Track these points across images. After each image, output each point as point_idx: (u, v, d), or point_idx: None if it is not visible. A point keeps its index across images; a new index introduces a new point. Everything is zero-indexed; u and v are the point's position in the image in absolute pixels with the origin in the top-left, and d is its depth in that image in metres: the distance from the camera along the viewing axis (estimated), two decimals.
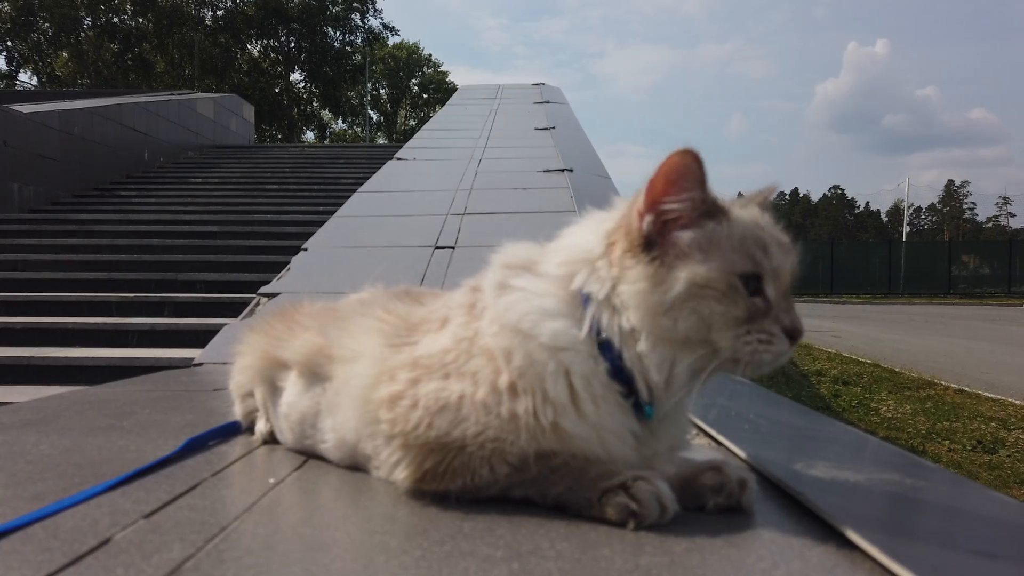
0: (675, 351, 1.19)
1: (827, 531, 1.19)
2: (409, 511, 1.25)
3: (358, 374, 1.41)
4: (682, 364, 1.20)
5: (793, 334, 1.18)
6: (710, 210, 1.20)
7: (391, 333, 1.42)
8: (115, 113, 13.80)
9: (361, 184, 8.67)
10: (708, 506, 1.25)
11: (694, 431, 2.00)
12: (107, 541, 1.10)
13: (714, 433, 1.93)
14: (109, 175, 13.22)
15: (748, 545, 1.15)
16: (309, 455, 1.65)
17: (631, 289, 1.19)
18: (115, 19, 43.23)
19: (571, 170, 7.93)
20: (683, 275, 1.16)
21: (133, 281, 7.34)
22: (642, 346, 1.20)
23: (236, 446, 1.79)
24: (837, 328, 17.98)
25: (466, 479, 1.25)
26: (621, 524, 1.16)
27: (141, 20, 43.95)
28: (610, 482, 1.18)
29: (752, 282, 1.18)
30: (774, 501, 1.36)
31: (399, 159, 9.80)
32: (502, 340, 1.25)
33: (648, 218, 1.20)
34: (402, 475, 1.29)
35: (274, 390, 1.72)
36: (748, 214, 1.25)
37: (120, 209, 11.29)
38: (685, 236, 1.19)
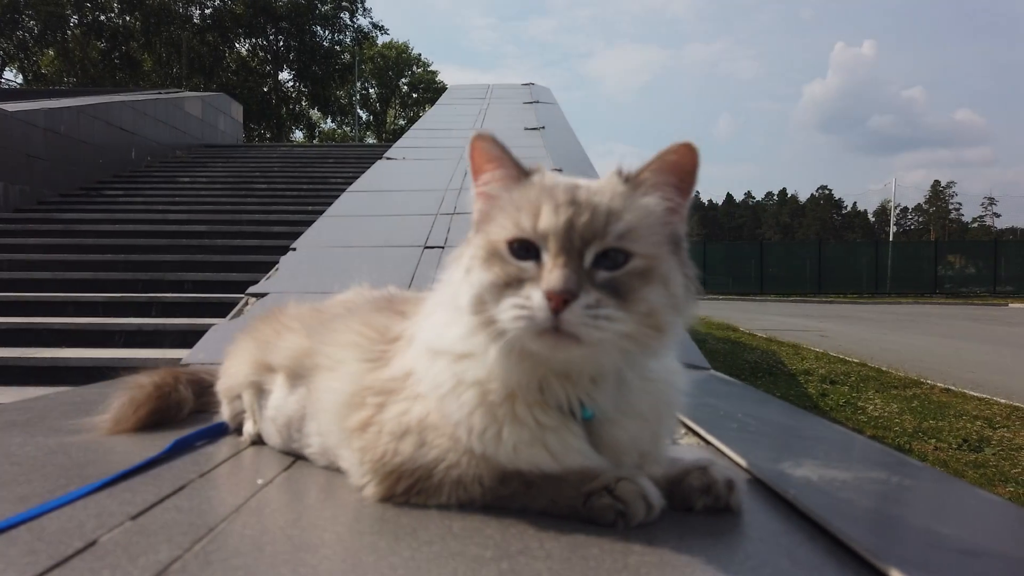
0: (477, 328, 1.14)
1: (815, 529, 1.20)
2: (398, 512, 1.25)
3: (334, 389, 1.42)
4: (489, 341, 1.13)
5: (548, 295, 1.05)
6: (508, 184, 1.20)
7: (367, 348, 1.43)
8: (102, 112, 13.71)
9: (350, 184, 8.65)
10: (696, 507, 1.26)
11: (683, 431, 2.01)
12: (93, 543, 1.10)
13: (703, 432, 1.94)
14: (96, 174, 13.14)
15: (736, 544, 1.16)
16: (297, 456, 1.64)
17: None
18: (102, 17, 42.92)
19: (560, 170, 7.90)
20: (467, 251, 1.18)
21: (120, 281, 7.29)
22: (468, 342, 1.19)
23: (224, 447, 1.78)
24: (825, 328, 18.08)
25: (440, 499, 1.25)
26: (610, 525, 1.16)
27: (128, 18, 43.66)
28: (592, 486, 1.18)
29: (523, 248, 1.12)
30: (762, 500, 1.37)
31: (388, 159, 9.78)
32: (420, 361, 1.28)
33: (477, 204, 1.24)
34: (376, 497, 1.30)
35: (261, 393, 1.72)
36: (546, 180, 1.19)
37: (107, 208, 11.22)
38: (479, 212, 1.22)
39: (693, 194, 1.22)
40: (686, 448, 1.89)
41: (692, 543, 1.13)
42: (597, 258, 1.10)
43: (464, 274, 1.17)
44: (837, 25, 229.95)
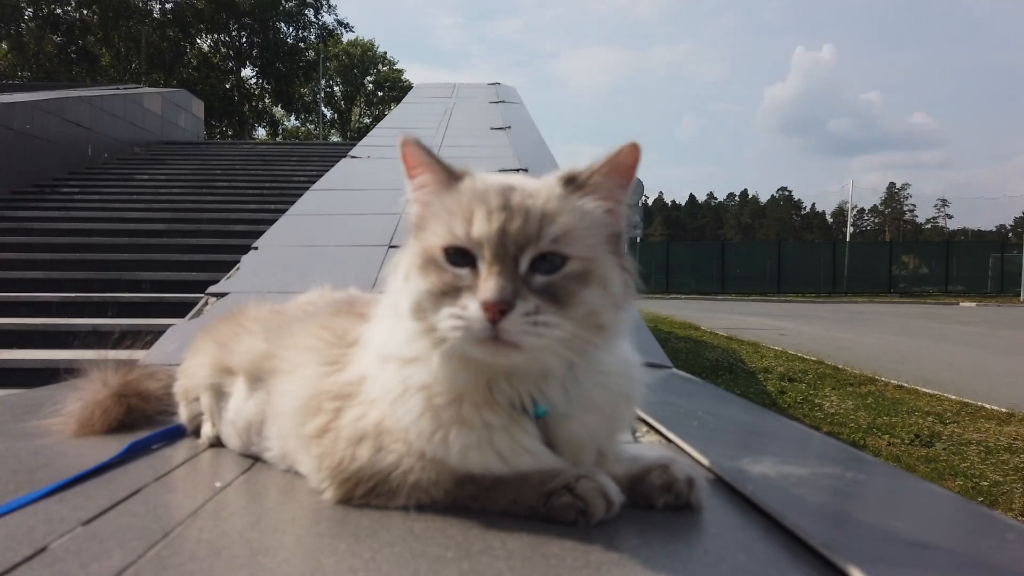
0: (419, 335, 1.14)
1: (772, 525, 1.22)
2: (359, 513, 1.24)
3: (292, 393, 1.41)
4: (431, 347, 1.13)
5: (484, 306, 1.04)
6: (439, 189, 1.20)
7: (326, 351, 1.42)
8: (57, 107, 13.36)
9: (314, 182, 8.55)
10: (658, 504, 1.27)
11: (644, 429, 2.03)
12: (43, 550, 1.07)
13: (664, 430, 1.96)
14: (51, 171, 12.79)
15: (695, 540, 1.17)
16: (257, 459, 1.62)
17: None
18: (58, 10, 41.83)
19: (526, 170, 7.95)
20: (405, 256, 1.18)
21: (75, 280, 7.12)
22: (410, 345, 1.18)
23: (181, 450, 1.75)
24: (783, 326, 18.40)
25: (399, 502, 1.24)
26: (571, 523, 1.17)
27: (86, 12, 42.64)
28: (552, 485, 1.18)
29: (458, 255, 1.11)
30: (722, 496, 1.39)
31: (353, 157, 9.69)
32: (373, 366, 1.28)
33: (413, 208, 1.23)
34: (334, 502, 1.28)
35: (220, 395, 1.70)
36: (479, 184, 1.18)
37: (62, 206, 10.95)
38: (415, 217, 1.22)
39: (632, 188, 1.22)
40: (648, 446, 1.91)
41: (653, 540, 1.14)
42: (533, 262, 1.09)
43: (403, 281, 1.16)
44: (798, 29, 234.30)
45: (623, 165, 1.18)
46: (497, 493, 1.22)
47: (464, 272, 1.10)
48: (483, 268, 1.08)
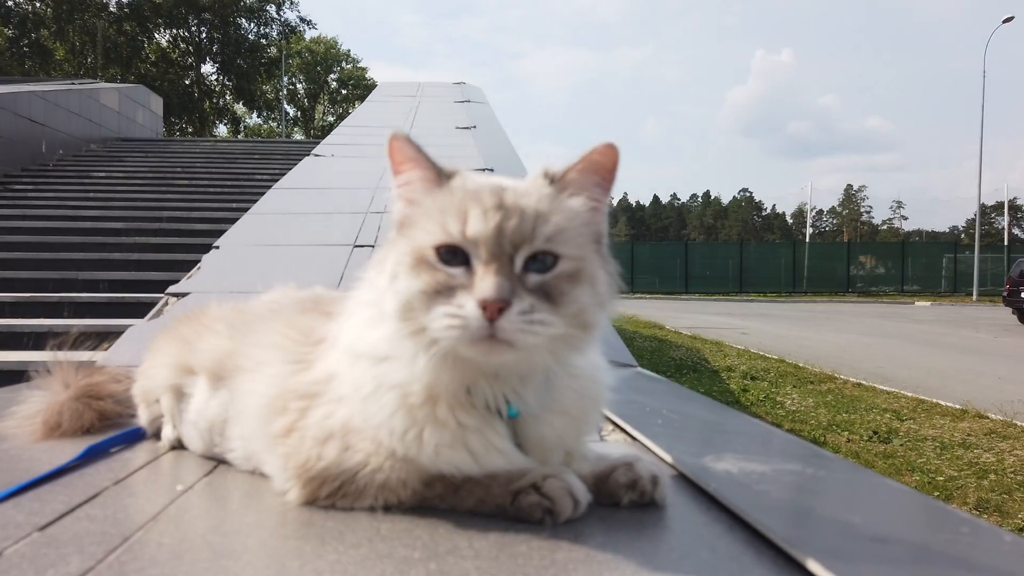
0: (406, 336, 1.13)
1: (735, 521, 1.24)
2: (325, 515, 1.23)
3: (256, 393, 1.39)
4: (419, 348, 1.12)
5: (482, 304, 1.04)
6: (428, 186, 1.19)
7: (291, 350, 1.40)
8: (9, 102, 12.97)
9: (277, 180, 8.45)
10: (623, 502, 1.28)
11: (610, 427, 2.05)
12: None
13: (629, 428, 1.98)
14: (2, 168, 12.42)
15: (660, 537, 1.18)
16: (220, 461, 1.59)
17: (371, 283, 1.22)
18: (9, 2, 40.59)
19: (492, 169, 7.95)
20: (391, 254, 1.17)
21: (28, 280, 6.93)
22: (393, 345, 1.17)
23: (141, 452, 1.72)
24: (746, 325, 18.68)
25: (365, 503, 1.24)
26: (537, 522, 1.17)
27: (39, 4, 41.45)
28: (519, 483, 1.19)
29: (450, 253, 1.10)
30: (686, 493, 1.40)
31: (317, 155, 9.60)
32: (343, 363, 1.27)
33: (397, 204, 1.22)
34: (299, 502, 1.27)
35: (181, 396, 1.66)
36: (469, 183, 1.17)
37: (14, 204, 10.64)
38: (401, 214, 1.21)
39: (612, 191, 1.23)
40: (613, 444, 1.93)
41: (618, 537, 1.15)
42: (527, 261, 1.10)
43: (390, 280, 1.14)
44: (758, 33, 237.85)
45: (600, 165, 1.18)
46: (465, 492, 1.22)
47: (458, 271, 1.09)
48: (479, 267, 1.08)
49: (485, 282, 1.06)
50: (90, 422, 1.89)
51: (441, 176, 1.19)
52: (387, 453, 1.21)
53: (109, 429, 1.89)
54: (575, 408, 1.26)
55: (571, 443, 1.29)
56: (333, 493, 1.25)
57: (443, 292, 1.09)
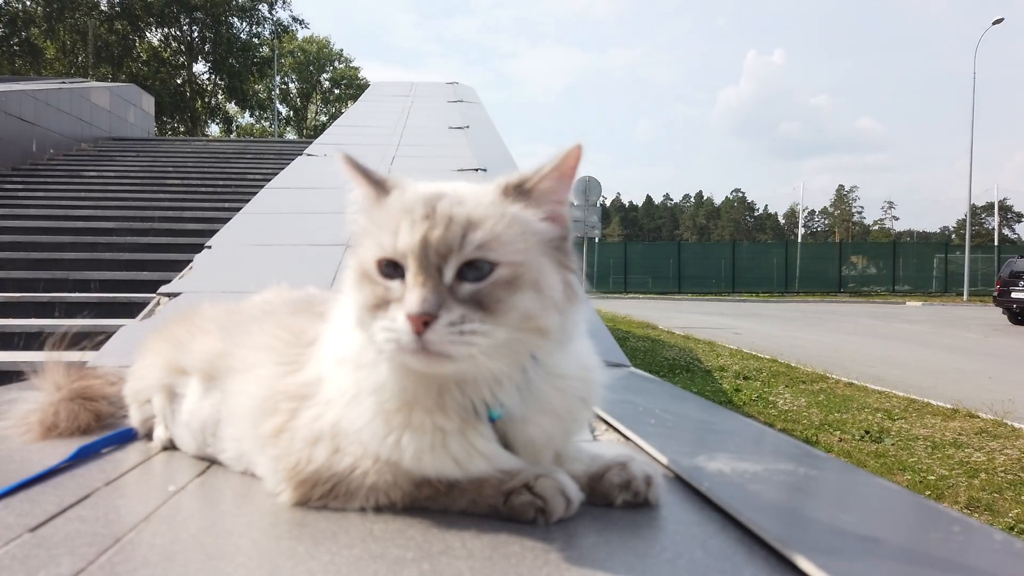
0: (367, 345, 1.14)
1: (727, 520, 1.24)
2: (318, 515, 1.23)
3: (248, 393, 1.39)
4: (376, 357, 1.14)
5: (408, 318, 1.04)
6: (371, 202, 1.20)
7: (283, 351, 1.40)
8: None
9: (269, 180, 8.43)
10: (616, 502, 1.28)
11: (603, 427, 2.05)
12: None
13: (622, 428, 1.98)
14: None
15: (653, 537, 1.19)
16: (212, 461, 1.59)
17: None
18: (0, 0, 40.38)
19: (485, 170, 7.95)
20: (348, 271, 1.18)
21: (19, 280, 6.88)
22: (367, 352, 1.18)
23: (132, 453, 1.71)
24: (738, 325, 18.74)
25: (357, 504, 1.23)
26: (530, 522, 1.17)
27: (29, 2, 41.21)
28: (512, 483, 1.19)
29: (391, 267, 1.10)
30: (679, 493, 1.41)
31: (309, 155, 9.58)
32: (329, 367, 1.27)
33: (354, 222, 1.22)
34: (291, 504, 1.27)
35: (173, 396, 1.66)
36: (408, 195, 1.16)
37: (5, 204, 10.57)
38: (352, 232, 1.22)
39: (573, 187, 1.20)
40: (606, 444, 1.93)
41: (611, 537, 1.15)
42: (461, 270, 1.08)
43: (348, 292, 1.17)
44: (750, 34, 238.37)
45: (570, 168, 1.17)
46: (457, 493, 1.22)
47: (395, 284, 1.09)
48: (409, 279, 1.08)
49: (410, 296, 1.06)
50: (87, 423, 1.88)
51: (381, 191, 1.19)
52: (373, 457, 1.21)
53: (102, 430, 1.88)
54: (562, 408, 1.25)
55: (560, 443, 1.29)
56: (325, 495, 1.25)
57: (381, 305, 1.10)
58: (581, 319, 1.22)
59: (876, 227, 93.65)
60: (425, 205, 1.11)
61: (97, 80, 29.77)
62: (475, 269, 1.08)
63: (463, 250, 1.07)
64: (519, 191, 1.16)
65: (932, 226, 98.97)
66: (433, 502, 1.23)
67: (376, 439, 1.18)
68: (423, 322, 1.04)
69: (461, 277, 1.08)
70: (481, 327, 1.06)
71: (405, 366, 1.11)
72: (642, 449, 1.76)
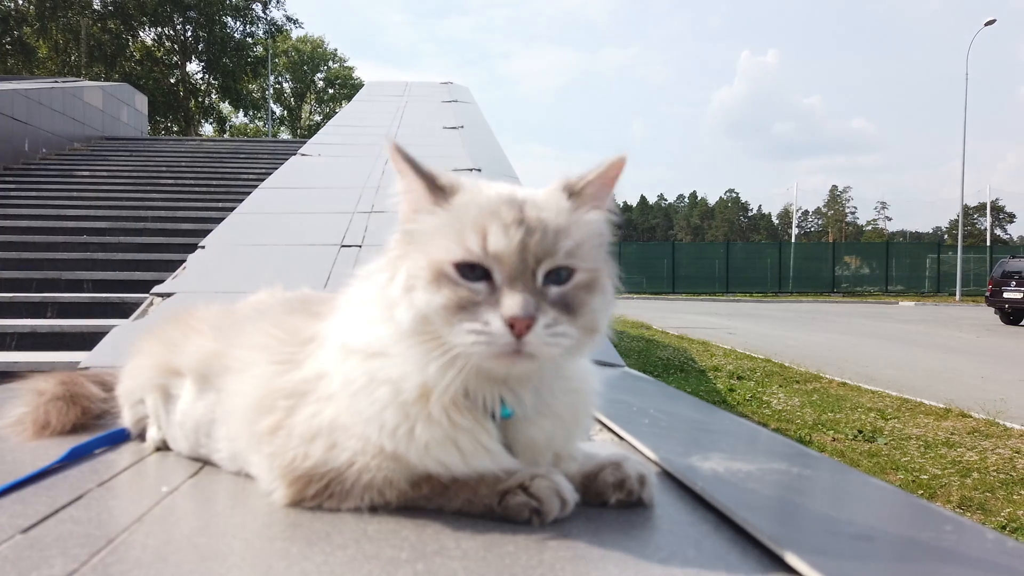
0: (415, 346, 1.13)
1: (721, 520, 1.25)
2: (312, 516, 1.23)
3: (243, 392, 1.38)
4: (431, 359, 1.12)
5: (510, 322, 1.06)
6: (435, 198, 1.17)
7: (278, 349, 1.39)
8: None
9: (263, 180, 8.40)
10: (610, 501, 1.28)
11: (597, 427, 2.05)
12: None
13: (616, 428, 1.98)
14: None
15: (647, 537, 1.19)
16: (205, 462, 1.58)
17: (375, 283, 1.21)
18: None
19: (479, 170, 7.94)
20: (404, 265, 1.16)
21: (11, 280, 6.85)
22: (393, 345, 1.17)
23: (125, 454, 1.70)
24: (732, 325, 18.78)
25: (352, 503, 1.23)
26: (525, 522, 1.17)
27: (22, 1, 41.03)
28: (507, 484, 1.19)
29: (469, 269, 1.10)
30: (673, 493, 1.41)
31: (303, 155, 9.55)
32: (333, 360, 1.27)
33: (402, 207, 1.21)
34: (285, 502, 1.27)
35: (167, 397, 1.65)
36: (482, 197, 1.16)
37: None
38: (412, 226, 1.19)
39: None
40: (600, 444, 1.93)
41: (605, 537, 1.15)
42: (546, 275, 1.12)
43: (404, 291, 1.13)
44: (743, 34, 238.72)
45: (614, 179, 1.22)
46: (453, 493, 1.22)
47: (480, 287, 1.10)
48: (503, 283, 1.09)
49: (513, 300, 1.07)
50: (75, 418, 1.87)
51: (444, 187, 1.18)
52: (375, 451, 1.20)
53: (94, 430, 1.87)
54: (566, 411, 1.27)
55: (561, 446, 1.29)
56: (319, 493, 1.24)
57: (466, 308, 1.09)
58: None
59: (869, 227, 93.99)
60: (512, 209, 1.13)
61: (90, 79, 29.70)
62: (556, 273, 1.12)
63: (555, 257, 1.11)
64: (578, 196, 1.20)
65: (925, 226, 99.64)
66: (429, 501, 1.23)
67: (385, 429, 1.18)
68: (526, 325, 1.06)
69: (545, 281, 1.12)
70: (568, 329, 1.11)
71: (478, 367, 1.11)
72: (636, 449, 1.77)
